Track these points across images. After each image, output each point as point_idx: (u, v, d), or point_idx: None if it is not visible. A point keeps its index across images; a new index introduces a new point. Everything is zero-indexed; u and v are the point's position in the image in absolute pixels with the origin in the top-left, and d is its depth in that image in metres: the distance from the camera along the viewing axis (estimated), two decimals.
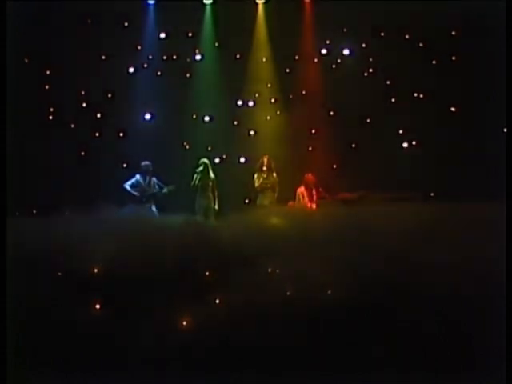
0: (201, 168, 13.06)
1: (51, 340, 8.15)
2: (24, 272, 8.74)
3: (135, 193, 12.88)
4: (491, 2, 11.31)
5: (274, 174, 13.15)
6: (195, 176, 13.02)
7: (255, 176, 13.11)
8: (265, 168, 13.07)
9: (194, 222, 10.79)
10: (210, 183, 13.11)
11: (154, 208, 12.99)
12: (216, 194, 13.08)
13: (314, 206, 12.70)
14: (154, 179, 13.02)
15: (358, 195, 11.90)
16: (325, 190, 12.85)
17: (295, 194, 12.92)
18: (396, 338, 8.04)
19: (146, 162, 13.00)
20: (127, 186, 12.91)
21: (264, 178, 13.06)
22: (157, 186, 12.98)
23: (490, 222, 9.27)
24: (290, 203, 12.96)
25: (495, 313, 7.57)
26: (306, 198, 12.82)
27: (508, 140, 8.90)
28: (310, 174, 13.02)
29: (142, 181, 12.96)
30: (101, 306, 8.63)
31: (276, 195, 13.09)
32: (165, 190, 12.94)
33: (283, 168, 13.41)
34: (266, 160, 13.14)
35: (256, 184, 13.08)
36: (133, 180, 12.97)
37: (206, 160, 13.19)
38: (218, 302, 8.56)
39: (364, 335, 8.11)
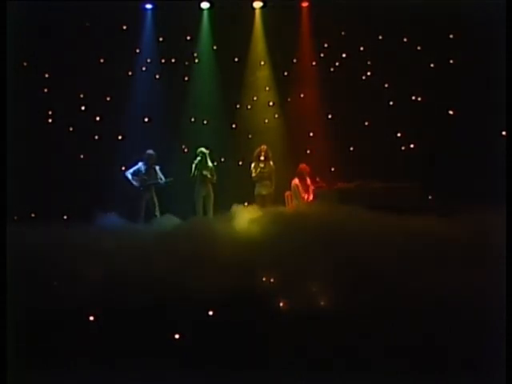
0: (199, 158, 13.14)
1: (51, 340, 8.19)
2: (24, 274, 8.77)
3: (135, 182, 13.00)
4: (491, 2, 11.33)
5: (271, 163, 13.19)
6: (194, 166, 13.11)
7: (252, 165, 13.14)
8: (262, 158, 13.10)
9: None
10: (209, 172, 13.17)
11: (154, 198, 13.09)
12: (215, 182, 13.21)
13: (310, 197, 12.72)
14: (157, 168, 13.14)
15: (355, 185, 11.94)
16: (322, 180, 12.89)
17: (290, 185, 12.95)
18: (396, 338, 8.07)
19: (150, 151, 13.10)
20: (128, 174, 13.06)
21: (261, 168, 13.09)
22: (158, 177, 13.09)
23: (490, 223, 9.32)
24: (287, 193, 13.00)
25: (495, 313, 7.58)
26: (301, 189, 12.82)
27: (507, 143, 8.88)
28: (303, 164, 13.03)
29: (143, 169, 13.08)
30: (100, 309, 8.63)
31: (273, 184, 13.14)
32: (162, 181, 13.09)
33: (281, 171, 13.44)
34: (263, 149, 13.17)
35: (253, 174, 13.11)
36: (134, 168, 13.12)
37: (204, 149, 13.25)
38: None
39: (363, 335, 8.15)
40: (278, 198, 13.06)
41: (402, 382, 7.80)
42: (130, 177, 13.07)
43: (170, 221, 11.44)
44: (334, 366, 8.01)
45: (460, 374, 7.72)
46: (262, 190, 13.11)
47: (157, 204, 13.09)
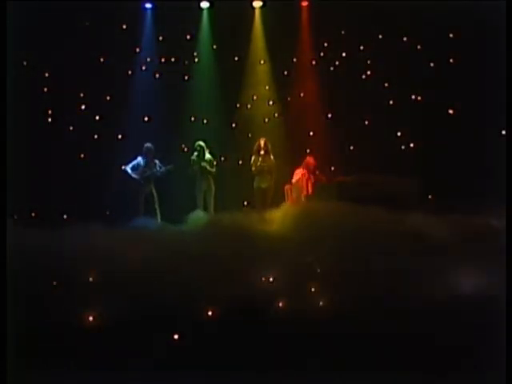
0: (196, 153, 13.19)
1: (51, 340, 8.18)
2: (23, 273, 8.77)
3: (135, 175, 13.01)
4: (491, 2, 11.33)
5: (271, 157, 13.21)
6: (192, 161, 13.13)
7: (252, 159, 13.19)
8: (262, 152, 13.12)
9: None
10: (208, 164, 13.19)
11: (153, 191, 13.08)
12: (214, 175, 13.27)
13: (310, 190, 12.73)
14: (156, 161, 13.19)
15: (354, 178, 11.97)
16: (321, 173, 12.93)
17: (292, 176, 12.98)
18: (395, 338, 8.06)
19: (148, 144, 13.14)
20: (128, 168, 13.05)
21: (261, 162, 13.10)
22: (158, 167, 13.11)
23: (490, 223, 9.33)
24: (287, 187, 13.01)
25: (495, 313, 7.58)
26: (304, 181, 12.82)
27: (507, 142, 8.89)
28: (311, 158, 13.07)
29: (142, 163, 13.10)
30: (100, 309, 8.63)
31: (273, 178, 13.17)
32: (163, 169, 13.10)
33: (280, 170, 13.44)
34: (262, 142, 13.20)
35: (253, 167, 13.14)
36: (134, 162, 13.14)
37: (201, 143, 13.33)
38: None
39: (363, 335, 8.15)
40: (278, 192, 13.10)
41: (403, 383, 7.80)
42: (129, 171, 13.10)
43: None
44: (334, 366, 8.00)
45: (460, 374, 7.71)
46: (261, 183, 13.16)
47: (156, 197, 13.12)
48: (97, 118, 14.25)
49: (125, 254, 9.43)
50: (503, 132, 11.14)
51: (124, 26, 14.47)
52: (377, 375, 7.84)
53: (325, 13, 14.07)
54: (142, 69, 14.65)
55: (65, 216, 13.28)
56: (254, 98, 14.73)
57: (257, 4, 14.72)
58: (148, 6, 14.71)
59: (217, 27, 14.69)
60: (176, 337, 8.33)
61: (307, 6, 14.71)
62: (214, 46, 14.75)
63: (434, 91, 13.73)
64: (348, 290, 8.52)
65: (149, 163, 13.16)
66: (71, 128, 14.18)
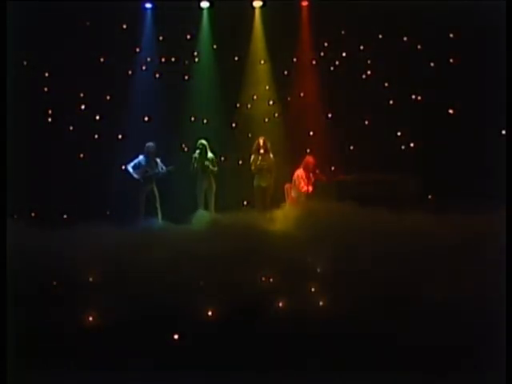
0: (198, 151, 13.19)
1: (51, 340, 8.18)
2: (23, 273, 8.77)
3: (136, 175, 13.03)
4: (491, 2, 11.33)
5: (271, 155, 13.22)
6: (193, 159, 13.13)
7: (252, 158, 13.18)
8: (262, 151, 13.12)
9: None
10: (210, 163, 13.19)
11: (155, 189, 13.09)
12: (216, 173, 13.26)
13: (310, 189, 12.74)
14: (158, 160, 13.18)
15: (354, 177, 11.99)
16: (321, 172, 12.94)
17: (292, 176, 12.99)
18: (395, 338, 8.06)
19: (150, 143, 13.14)
20: (130, 167, 13.07)
21: (261, 160, 13.10)
22: (159, 168, 13.11)
23: (490, 223, 9.33)
24: (287, 185, 13.03)
25: (495, 313, 7.58)
26: (305, 180, 12.83)
27: (507, 142, 8.89)
28: (310, 157, 13.08)
29: (144, 162, 13.11)
30: (100, 309, 8.63)
31: (273, 176, 13.17)
32: (164, 170, 13.13)
33: (280, 170, 13.45)
34: (261, 141, 13.21)
35: (253, 166, 13.14)
36: (135, 161, 13.15)
37: (203, 141, 13.33)
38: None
39: (363, 335, 8.15)
40: (278, 191, 13.10)
41: (403, 383, 7.81)
42: (130, 170, 13.11)
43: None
44: (334, 366, 8.01)
45: (460, 374, 7.71)
46: (261, 181, 13.17)
47: (157, 196, 13.12)
48: (97, 117, 14.25)
49: (125, 254, 9.43)
50: (503, 132, 11.13)
51: (124, 26, 14.46)
52: (377, 375, 7.85)
53: (325, 13, 14.05)
54: (142, 69, 14.64)
55: (65, 216, 13.29)
56: (254, 97, 14.72)
57: (257, 4, 14.70)
58: (148, 5, 14.70)
59: (217, 27, 14.68)
60: (176, 337, 8.33)
61: (307, 5, 14.69)
62: (214, 46, 14.74)
63: (434, 91, 13.72)
64: (348, 290, 8.53)
65: (150, 162, 13.17)
66: (71, 128, 14.18)
